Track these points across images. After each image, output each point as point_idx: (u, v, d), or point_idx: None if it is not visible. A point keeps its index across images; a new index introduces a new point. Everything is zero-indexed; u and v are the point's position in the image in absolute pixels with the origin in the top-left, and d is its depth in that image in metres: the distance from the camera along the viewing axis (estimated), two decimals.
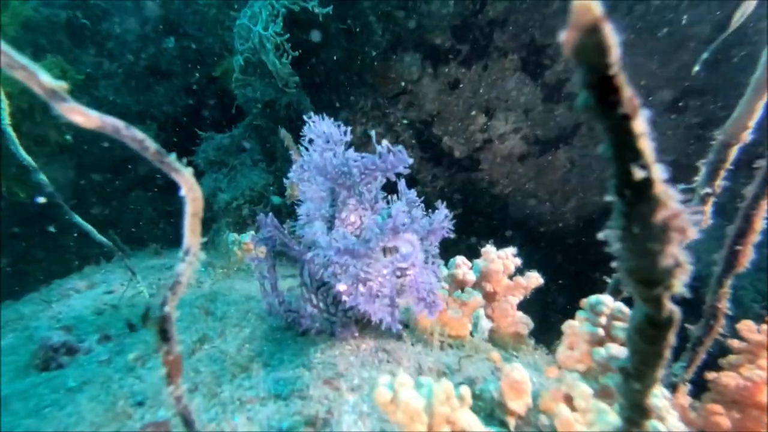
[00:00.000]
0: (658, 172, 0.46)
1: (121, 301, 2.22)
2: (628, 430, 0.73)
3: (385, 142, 1.12)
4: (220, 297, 2.00)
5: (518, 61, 4.04)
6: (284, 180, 1.47)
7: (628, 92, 0.43)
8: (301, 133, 1.56)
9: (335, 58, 4.36)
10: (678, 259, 0.52)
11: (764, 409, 1.19)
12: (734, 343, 1.33)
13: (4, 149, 2.71)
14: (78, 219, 2.21)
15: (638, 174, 0.46)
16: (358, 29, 4.25)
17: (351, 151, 1.22)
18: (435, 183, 4.62)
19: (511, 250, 1.61)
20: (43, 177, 1.98)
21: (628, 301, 1.15)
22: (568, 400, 1.03)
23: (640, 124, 0.44)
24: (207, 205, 3.98)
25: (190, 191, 0.78)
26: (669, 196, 0.47)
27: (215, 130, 4.42)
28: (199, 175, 4.14)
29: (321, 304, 1.37)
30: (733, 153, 1.12)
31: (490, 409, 1.07)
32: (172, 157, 0.75)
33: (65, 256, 3.88)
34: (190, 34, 4.67)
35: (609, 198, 0.54)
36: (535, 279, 1.58)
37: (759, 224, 1.10)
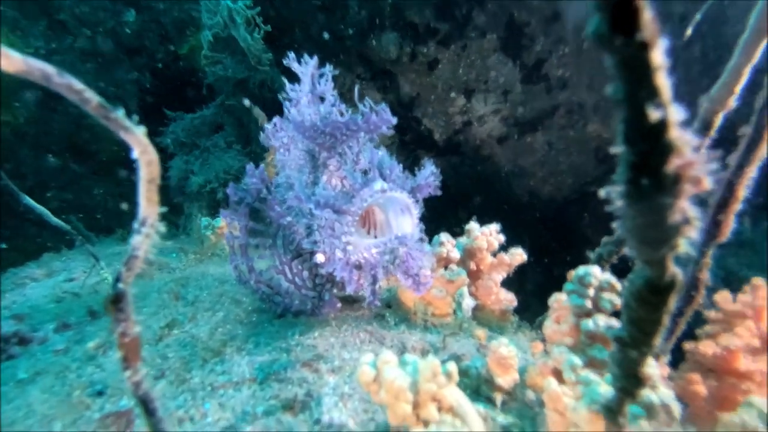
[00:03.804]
0: (675, 114, 0.41)
1: (82, 288, 2.08)
2: (622, 400, 0.71)
3: (367, 100, 1.03)
4: (192, 282, 1.89)
5: (497, 41, 3.98)
6: (261, 149, 1.36)
7: (648, 15, 0.37)
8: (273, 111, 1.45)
9: (311, 35, 4.18)
10: (687, 214, 0.48)
11: (740, 376, 1.21)
12: (710, 313, 1.35)
13: None
14: (30, 201, 2.04)
15: (653, 115, 0.41)
16: (333, 5, 4.07)
17: (332, 110, 1.12)
18: (414, 167, 4.57)
19: (495, 227, 1.58)
20: None
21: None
22: (556, 375, 1.01)
23: (659, 55, 0.39)
24: (178, 189, 3.79)
25: (144, 153, 0.69)
26: (684, 142, 0.42)
27: (184, 110, 4.19)
28: (168, 157, 3.92)
29: (297, 279, 1.29)
30: (719, 120, 1.10)
31: (475, 386, 1.04)
32: (120, 114, 0.66)
33: (22, 243, 3.62)
34: (153, 6, 4.36)
35: (615, 149, 0.49)
36: (519, 256, 1.55)
37: (742, 193, 1.09)
